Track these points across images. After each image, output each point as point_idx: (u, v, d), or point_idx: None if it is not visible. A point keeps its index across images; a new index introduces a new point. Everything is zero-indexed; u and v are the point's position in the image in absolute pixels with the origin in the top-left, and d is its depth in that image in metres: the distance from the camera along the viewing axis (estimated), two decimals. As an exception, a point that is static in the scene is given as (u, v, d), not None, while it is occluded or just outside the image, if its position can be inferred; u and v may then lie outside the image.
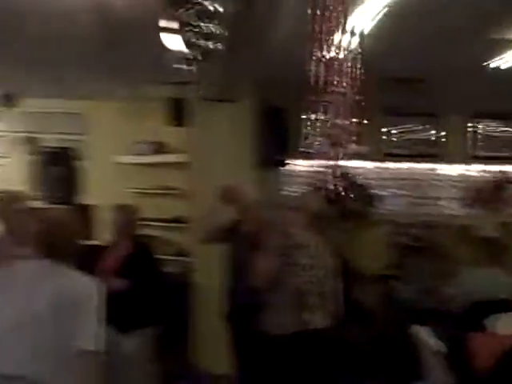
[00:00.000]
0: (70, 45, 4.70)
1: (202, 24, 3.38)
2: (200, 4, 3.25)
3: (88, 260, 4.14)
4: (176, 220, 6.63)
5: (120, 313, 4.40)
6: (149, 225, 6.73)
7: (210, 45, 3.60)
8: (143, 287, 4.44)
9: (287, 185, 7.05)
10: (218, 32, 3.44)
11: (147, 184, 6.91)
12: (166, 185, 6.80)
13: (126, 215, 4.76)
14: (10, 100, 6.71)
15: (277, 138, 6.57)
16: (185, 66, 3.83)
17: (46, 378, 2.55)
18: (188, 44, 3.53)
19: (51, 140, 7.10)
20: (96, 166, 7.14)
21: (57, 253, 2.66)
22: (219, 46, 3.63)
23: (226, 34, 3.51)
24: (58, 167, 6.15)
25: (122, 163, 7.01)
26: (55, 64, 5.40)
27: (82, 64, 5.28)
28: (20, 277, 2.68)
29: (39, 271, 2.67)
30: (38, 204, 6.40)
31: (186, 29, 3.42)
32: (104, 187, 6.92)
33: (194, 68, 3.75)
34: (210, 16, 3.30)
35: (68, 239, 2.72)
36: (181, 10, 3.30)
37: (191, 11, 3.29)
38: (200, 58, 3.56)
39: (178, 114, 6.39)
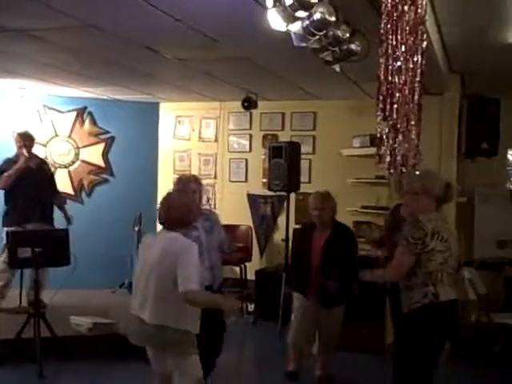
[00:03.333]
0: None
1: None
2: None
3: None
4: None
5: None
6: (365, 212, 7.35)
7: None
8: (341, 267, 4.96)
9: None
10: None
11: (366, 174, 7.44)
12: (379, 174, 7.21)
13: (322, 201, 5.29)
14: (250, 103, 7.83)
15: (485, 128, 6.62)
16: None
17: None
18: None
19: (286, 136, 8.09)
20: (322, 158, 7.96)
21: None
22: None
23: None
24: (283, 160, 7.00)
25: (344, 155, 7.66)
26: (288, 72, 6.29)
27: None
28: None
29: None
30: (265, 191, 7.45)
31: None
32: (328, 177, 7.68)
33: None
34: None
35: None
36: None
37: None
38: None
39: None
